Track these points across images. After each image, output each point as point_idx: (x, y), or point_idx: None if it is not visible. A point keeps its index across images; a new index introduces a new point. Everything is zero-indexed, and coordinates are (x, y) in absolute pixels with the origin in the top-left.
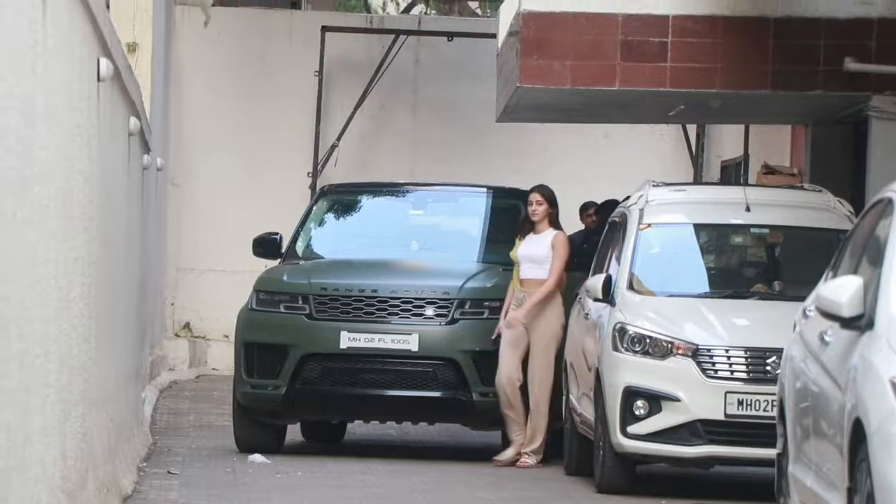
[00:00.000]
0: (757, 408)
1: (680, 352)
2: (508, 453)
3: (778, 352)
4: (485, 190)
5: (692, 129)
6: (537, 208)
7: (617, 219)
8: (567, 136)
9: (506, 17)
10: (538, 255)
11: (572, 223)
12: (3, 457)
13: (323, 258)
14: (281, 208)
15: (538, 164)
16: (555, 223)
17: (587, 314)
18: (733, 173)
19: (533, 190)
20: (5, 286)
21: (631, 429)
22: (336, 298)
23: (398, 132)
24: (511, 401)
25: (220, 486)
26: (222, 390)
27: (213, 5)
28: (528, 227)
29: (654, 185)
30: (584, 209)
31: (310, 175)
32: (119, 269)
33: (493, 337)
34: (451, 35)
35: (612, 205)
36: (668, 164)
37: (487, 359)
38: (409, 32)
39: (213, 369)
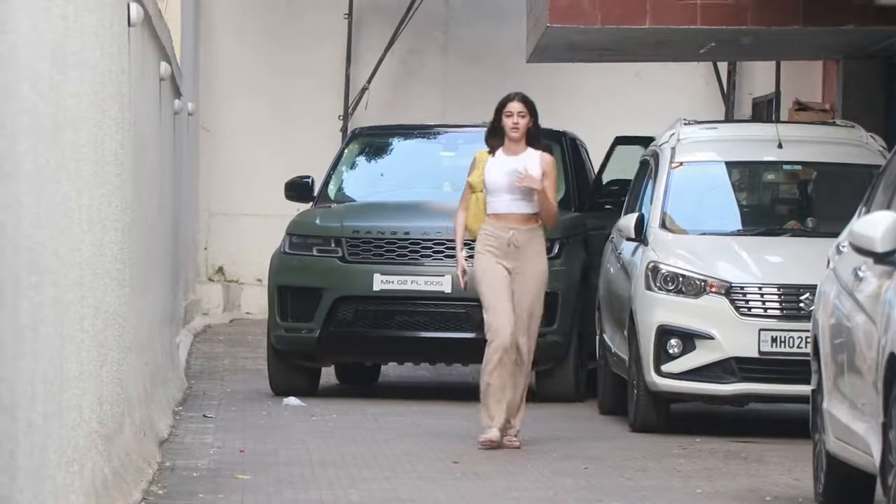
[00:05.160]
0: (791, 345)
1: (713, 290)
2: (496, 432)
3: (811, 288)
4: None
5: (723, 67)
6: (519, 121)
7: (649, 158)
8: (598, 75)
9: None
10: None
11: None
12: (41, 403)
13: (355, 201)
14: (312, 152)
15: (570, 105)
16: (534, 141)
17: (620, 254)
18: (765, 110)
19: (512, 98)
20: (39, 232)
21: (665, 367)
22: (369, 241)
23: (428, 74)
24: (514, 364)
25: (256, 429)
26: (256, 334)
27: None
28: (497, 144)
29: (685, 124)
30: None
31: (340, 118)
32: (152, 213)
33: (462, 286)
34: None
35: None
36: (700, 102)
37: None
38: None
39: (247, 313)
